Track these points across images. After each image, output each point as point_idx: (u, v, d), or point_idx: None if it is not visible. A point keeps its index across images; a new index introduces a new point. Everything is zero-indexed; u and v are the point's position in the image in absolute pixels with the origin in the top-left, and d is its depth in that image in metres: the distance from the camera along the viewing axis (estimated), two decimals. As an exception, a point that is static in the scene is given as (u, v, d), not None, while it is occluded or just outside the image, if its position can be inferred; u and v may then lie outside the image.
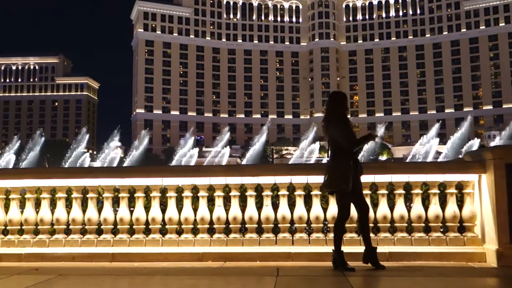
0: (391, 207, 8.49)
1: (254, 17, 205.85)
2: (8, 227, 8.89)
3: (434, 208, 8.38)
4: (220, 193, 8.62)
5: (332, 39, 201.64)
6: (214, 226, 8.63)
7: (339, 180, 7.40)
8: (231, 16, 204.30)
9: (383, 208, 8.39)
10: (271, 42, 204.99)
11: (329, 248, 7.92)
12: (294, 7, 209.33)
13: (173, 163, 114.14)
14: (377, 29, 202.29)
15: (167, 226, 8.66)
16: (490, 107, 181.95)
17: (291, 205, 8.60)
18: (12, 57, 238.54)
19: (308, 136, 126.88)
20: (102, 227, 8.75)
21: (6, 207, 8.97)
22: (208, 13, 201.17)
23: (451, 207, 8.37)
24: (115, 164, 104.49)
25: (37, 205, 8.98)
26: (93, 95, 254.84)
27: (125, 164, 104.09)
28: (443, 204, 8.50)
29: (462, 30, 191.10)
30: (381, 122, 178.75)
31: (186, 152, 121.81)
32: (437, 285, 6.64)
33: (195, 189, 8.75)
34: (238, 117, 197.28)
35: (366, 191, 8.25)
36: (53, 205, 8.94)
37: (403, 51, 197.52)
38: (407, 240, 8.31)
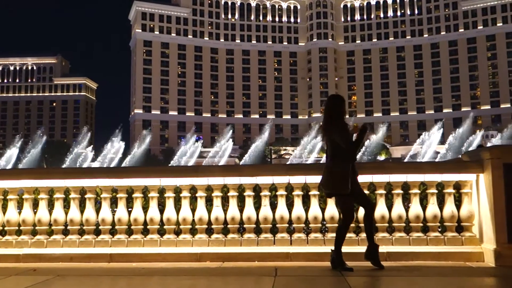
0: (389, 207, 8.50)
1: (252, 17, 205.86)
2: (6, 228, 8.87)
3: (432, 208, 8.40)
4: (218, 193, 8.61)
5: (330, 39, 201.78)
6: (212, 226, 8.63)
7: (339, 182, 7.41)
8: (229, 16, 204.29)
9: (381, 208, 8.40)
10: (269, 42, 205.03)
11: (328, 248, 7.93)
12: (292, 7, 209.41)
13: (174, 162, 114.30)
14: (375, 29, 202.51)
15: (165, 227, 8.66)
16: (488, 107, 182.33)
17: (289, 205, 8.60)
18: (10, 58, 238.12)
19: (308, 135, 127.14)
20: (100, 227, 8.75)
21: (4, 208, 8.96)
22: (206, 14, 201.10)
23: (449, 207, 8.38)
24: (113, 164, 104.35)
25: (35, 205, 8.96)
26: (91, 96, 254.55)
27: (123, 165, 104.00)
28: (441, 204, 8.51)
29: (460, 30, 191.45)
30: (379, 122, 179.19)
31: (187, 151, 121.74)
32: (435, 285, 6.65)
33: (193, 189, 8.75)
34: (237, 117, 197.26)
35: (364, 191, 8.26)
36: (51, 205, 8.92)
37: (401, 51, 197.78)
38: (405, 240, 8.32)
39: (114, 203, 8.91)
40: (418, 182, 8.48)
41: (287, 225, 8.56)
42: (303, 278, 7.04)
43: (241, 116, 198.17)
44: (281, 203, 8.54)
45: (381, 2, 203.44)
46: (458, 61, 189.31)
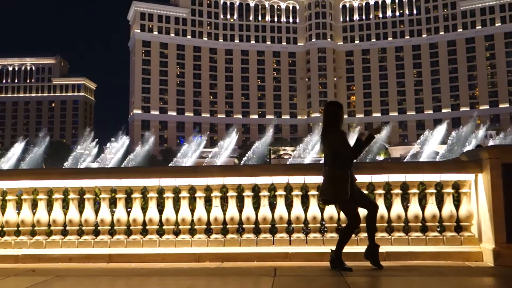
0: (388, 207, 8.51)
1: (251, 17, 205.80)
2: (4, 229, 8.87)
3: (431, 208, 8.41)
4: (218, 193, 8.61)
5: (329, 40, 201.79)
6: (212, 226, 8.63)
7: (338, 189, 7.40)
8: (228, 16, 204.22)
9: (380, 208, 8.39)
10: (268, 43, 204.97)
11: (327, 248, 7.94)
12: (291, 8, 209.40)
13: (176, 160, 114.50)
14: (374, 29, 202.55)
15: (164, 227, 8.66)
16: (487, 106, 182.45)
17: (289, 205, 8.61)
18: (9, 58, 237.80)
19: (310, 135, 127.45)
20: (99, 228, 8.74)
21: (3, 208, 8.95)
22: (205, 14, 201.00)
23: (448, 207, 8.39)
24: (111, 164, 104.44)
25: (34, 206, 8.96)
26: (90, 96, 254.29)
27: (123, 165, 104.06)
28: (440, 203, 8.53)
29: (459, 30, 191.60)
30: (377, 122, 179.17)
31: (189, 150, 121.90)
32: (434, 285, 6.65)
33: (192, 189, 8.75)
34: (236, 117, 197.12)
35: (363, 191, 8.26)
36: (50, 206, 8.92)
37: (400, 51, 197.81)
38: (404, 240, 8.33)
39: (113, 203, 8.91)
40: (417, 182, 8.49)
41: (286, 225, 8.57)
42: (302, 278, 7.04)
43: (240, 116, 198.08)
44: (280, 203, 8.54)
45: (380, 2, 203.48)
46: (457, 61, 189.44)
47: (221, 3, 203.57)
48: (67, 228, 8.80)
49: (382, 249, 8.04)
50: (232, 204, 8.58)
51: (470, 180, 8.42)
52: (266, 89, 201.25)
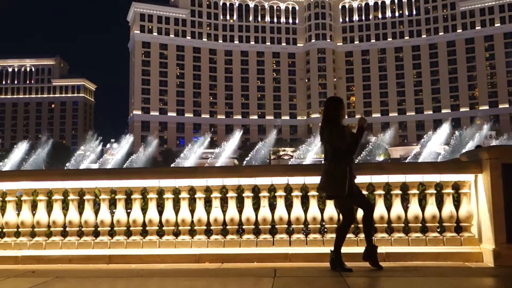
0: (388, 207, 8.50)
1: (251, 18, 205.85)
2: (4, 230, 8.86)
3: (431, 208, 8.40)
4: (217, 194, 8.61)
5: (328, 40, 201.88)
6: (211, 227, 8.63)
7: (336, 185, 7.41)
8: (228, 17, 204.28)
9: (380, 209, 8.41)
10: (268, 43, 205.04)
11: (327, 249, 7.93)
12: (290, 8, 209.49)
13: (179, 161, 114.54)
14: (373, 30, 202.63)
15: (164, 228, 8.65)
16: (486, 107, 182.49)
17: (288, 206, 8.60)
18: (8, 59, 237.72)
19: (311, 136, 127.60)
20: (99, 229, 8.74)
21: (3, 210, 8.95)
22: (204, 15, 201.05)
23: (448, 207, 8.39)
24: (109, 165, 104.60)
25: (34, 207, 8.95)
26: (89, 97, 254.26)
27: (124, 166, 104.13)
28: (439, 204, 8.52)
29: (458, 31, 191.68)
30: (377, 123, 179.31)
31: (192, 151, 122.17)
32: (434, 285, 6.65)
33: (192, 190, 8.74)
34: (235, 118, 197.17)
35: (363, 192, 8.26)
36: (49, 207, 8.91)
37: (399, 51, 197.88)
38: (404, 241, 8.32)
39: (113, 204, 8.91)
40: (417, 182, 8.48)
41: (286, 226, 8.56)
42: (302, 279, 7.04)
43: (240, 117, 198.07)
44: (280, 204, 8.53)
45: (379, 3, 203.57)
46: (456, 61, 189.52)
47: (221, 4, 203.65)
48: (67, 229, 8.79)
49: (382, 249, 8.04)
50: (232, 205, 8.58)
51: (470, 181, 8.42)
52: (266, 90, 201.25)
